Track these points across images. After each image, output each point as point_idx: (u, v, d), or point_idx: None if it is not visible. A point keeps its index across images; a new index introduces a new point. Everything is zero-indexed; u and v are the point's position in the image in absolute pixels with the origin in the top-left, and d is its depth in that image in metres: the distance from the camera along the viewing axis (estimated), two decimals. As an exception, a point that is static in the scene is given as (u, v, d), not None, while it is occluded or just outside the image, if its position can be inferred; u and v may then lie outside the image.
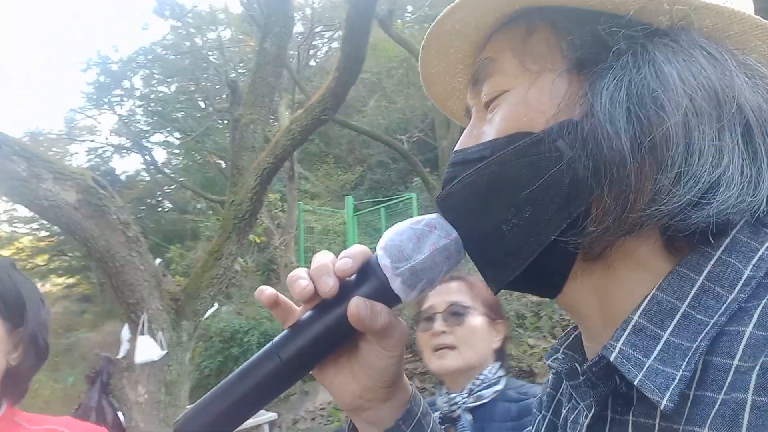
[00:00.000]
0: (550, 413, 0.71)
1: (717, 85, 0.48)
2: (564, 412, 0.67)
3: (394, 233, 0.60)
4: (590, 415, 0.53)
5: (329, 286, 0.58)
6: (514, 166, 0.52)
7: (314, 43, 17.58)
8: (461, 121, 0.74)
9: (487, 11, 0.58)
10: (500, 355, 1.65)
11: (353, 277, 0.60)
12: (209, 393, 0.60)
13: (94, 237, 3.45)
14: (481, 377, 1.57)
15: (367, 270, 0.60)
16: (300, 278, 0.59)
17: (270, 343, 0.60)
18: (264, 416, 6.39)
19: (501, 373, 1.61)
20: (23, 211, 22.61)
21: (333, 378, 0.65)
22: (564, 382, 0.70)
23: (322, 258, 0.61)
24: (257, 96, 4.22)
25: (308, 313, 0.60)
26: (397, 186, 15.67)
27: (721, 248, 0.48)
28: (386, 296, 0.59)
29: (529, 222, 0.52)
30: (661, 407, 0.44)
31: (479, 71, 0.60)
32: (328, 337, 0.60)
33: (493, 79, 0.58)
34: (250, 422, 6.17)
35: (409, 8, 16.81)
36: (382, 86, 14.88)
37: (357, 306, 0.57)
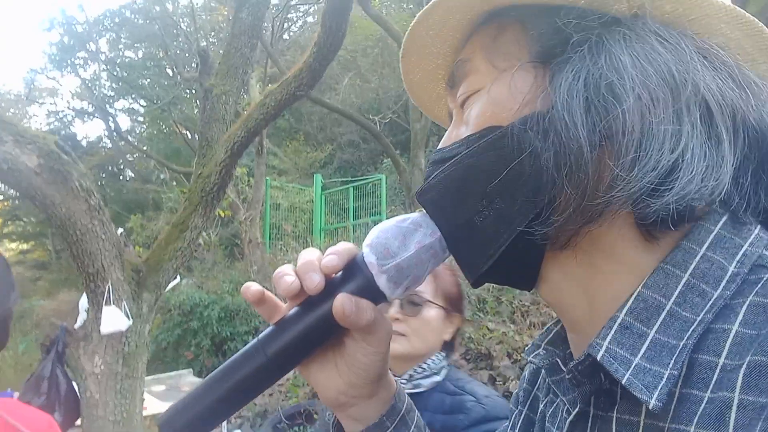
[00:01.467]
0: (526, 408, 0.72)
1: (673, 70, 0.48)
2: (541, 406, 0.68)
3: (380, 230, 0.60)
4: (574, 413, 0.53)
5: (315, 282, 0.58)
6: (484, 159, 0.54)
7: (289, 16, 17.25)
8: (448, 125, 0.75)
9: (458, 12, 0.59)
10: (449, 346, 1.68)
11: (339, 274, 0.61)
12: (195, 389, 0.60)
13: (55, 204, 3.34)
14: (424, 366, 1.60)
15: (353, 267, 0.60)
16: (286, 275, 0.60)
17: (255, 339, 0.61)
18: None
19: (443, 363, 1.63)
20: (-23, 173, 21.78)
21: (318, 374, 0.65)
22: (540, 377, 0.72)
23: (308, 255, 0.61)
24: (230, 67, 4.12)
25: (294, 310, 0.61)
26: (367, 166, 15.62)
27: (705, 245, 0.49)
28: (372, 293, 0.59)
29: (499, 213, 0.53)
30: (650, 406, 0.44)
31: (454, 73, 0.62)
32: (313, 333, 0.60)
33: (468, 79, 0.59)
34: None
35: (387, -13, 16.62)
36: (356, 65, 14.72)
37: (342, 303, 0.57)
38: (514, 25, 0.56)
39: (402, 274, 0.59)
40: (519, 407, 0.74)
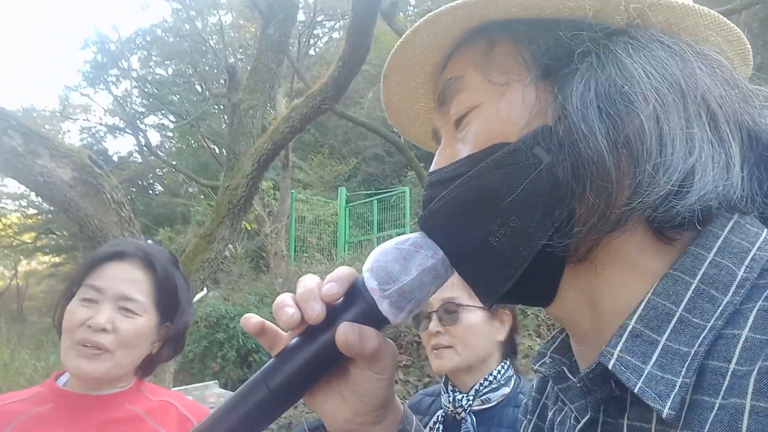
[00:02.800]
0: (535, 417, 0.72)
1: (679, 76, 0.49)
2: (550, 415, 0.68)
3: (379, 254, 0.59)
4: (584, 421, 0.53)
5: (316, 312, 0.57)
6: (495, 178, 0.53)
7: (315, 32, 17.49)
8: (426, 145, 0.74)
9: (447, 30, 0.58)
10: (508, 348, 1.58)
11: (340, 300, 0.59)
12: (200, 424, 0.60)
13: (88, 215, 3.43)
14: (490, 378, 1.51)
15: (354, 293, 0.59)
16: (286, 306, 0.58)
17: (258, 372, 0.60)
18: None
19: (510, 373, 1.54)
20: (12, 188, 22.39)
21: (323, 403, 0.64)
22: (549, 385, 0.71)
23: (308, 282, 0.60)
24: (258, 82, 4.20)
25: (295, 340, 0.60)
26: (391, 179, 15.66)
27: (714, 250, 0.49)
28: (375, 319, 0.58)
29: (516, 231, 0.52)
30: (664, 415, 0.43)
31: (445, 91, 0.61)
32: (316, 363, 0.59)
33: (461, 96, 0.58)
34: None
35: (412, 2, 16.77)
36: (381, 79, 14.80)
37: (345, 332, 0.56)
38: (504, 40, 0.56)
39: (404, 298, 0.57)
40: (528, 416, 0.73)
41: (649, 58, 0.50)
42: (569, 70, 0.51)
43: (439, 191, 0.58)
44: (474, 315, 1.53)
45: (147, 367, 1.43)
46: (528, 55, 0.54)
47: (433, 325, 1.54)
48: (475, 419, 1.48)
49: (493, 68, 0.56)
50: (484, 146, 0.54)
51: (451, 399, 1.53)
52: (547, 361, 0.62)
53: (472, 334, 1.52)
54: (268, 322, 0.62)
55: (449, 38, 0.60)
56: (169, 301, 1.38)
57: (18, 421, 1.26)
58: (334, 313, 0.58)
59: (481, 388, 1.50)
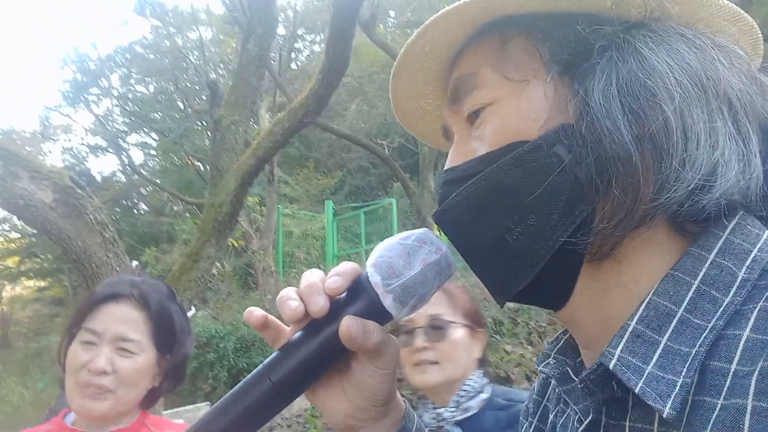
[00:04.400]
0: (536, 420, 0.71)
1: (700, 69, 0.49)
2: (551, 417, 0.67)
3: (383, 249, 0.59)
4: (586, 422, 0.52)
5: (319, 305, 0.57)
6: (514, 175, 0.52)
7: (296, 45, 17.53)
8: (433, 142, 0.74)
9: (459, 26, 0.58)
10: (481, 363, 1.63)
11: (344, 295, 0.59)
12: (202, 417, 0.60)
13: (71, 237, 3.37)
14: (466, 388, 1.55)
15: (358, 288, 0.59)
16: (290, 299, 0.58)
17: (261, 365, 0.59)
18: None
19: (484, 381, 1.59)
20: (-6, 211, 22.09)
21: (324, 398, 0.64)
22: (550, 387, 0.70)
23: (312, 276, 0.60)
24: (239, 97, 4.18)
25: (298, 334, 0.59)
26: (377, 191, 15.67)
27: (714, 251, 0.49)
28: (378, 314, 0.58)
29: (534, 229, 0.51)
30: (664, 415, 0.43)
31: (458, 88, 0.60)
32: (319, 357, 0.59)
33: (475, 93, 0.58)
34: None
35: (392, 13, 16.87)
36: (363, 90, 14.88)
37: (348, 326, 0.56)
38: (518, 35, 0.56)
39: (408, 293, 0.58)
40: (529, 419, 0.73)
41: (670, 51, 0.49)
42: (589, 65, 0.51)
43: (454, 188, 0.57)
44: (459, 332, 1.57)
45: (149, 400, 1.47)
46: (545, 50, 0.54)
47: (420, 340, 1.55)
48: (461, 429, 1.51)
49: (509, 65, 0.55)
50: (501, 144, 0.54)
51: (433, 416, 1.56)
52: (551, 362, 0.62)
53: (458, 350, 1.56)
54: (270, 316, 0.62)
55: (461, 34, 0.59)
56: (165, 335, 1.42)
57: None
58: (337, 308, 0.58)
59: (461, 399, 1.54)
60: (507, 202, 0.52)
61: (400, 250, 0.58)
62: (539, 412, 0.71)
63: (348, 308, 0.58)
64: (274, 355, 0.60)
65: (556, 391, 0.66)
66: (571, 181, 0.49)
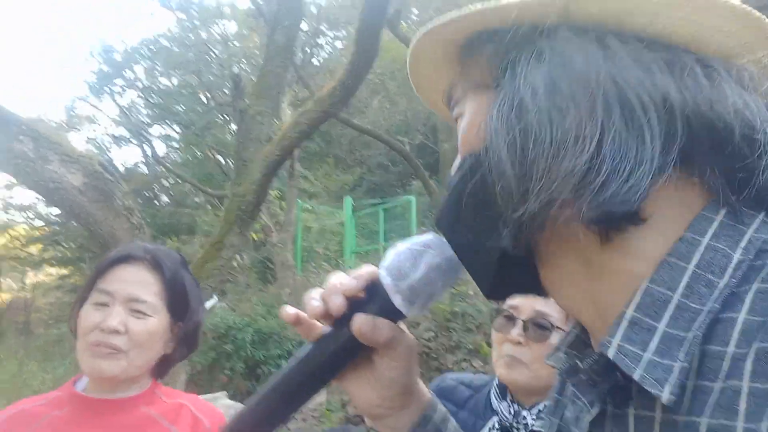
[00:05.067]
0: (556, 418, 0.71)
1: (586, 73, 0.49)
2: (568, 414, 0.66)
3: (394, 254, 0.65)
4: (592, 412, 0.53)
5: (337, 304, 0.64)
6: (467, 185, 0.56)
7: (318, 42, 17.58)
8: None
9: (439, 48, 0.62)
10: None
11: (365, 295, 0.66)
12: (245, 407, 0.68)
13: (98, 222, 3.43)
14: None
15: (374, 288, 0.66)
16: (313, 299, 0.66)
17: (292, 357, 0.68)
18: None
19: None
20: (18, 199, 22.49)
21: (354, 387, 0.71)
22: (568, 384, 0.70)
23: (334, 279, 0.67)
24: (265, 87, 4.21)
25: (325, 329, 0.67)
26: (396, 189, 15.66)
27: (709, 234, 0.49)
28: (390, 312, 0.65)
29: (488, 232, 0.54)
30: (663, 400, 0.44)
31: (447, 99, 0.66)
32: (341, 351, 0.66)
33: (458, 105, 0.63)
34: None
35: (415, 11, 16.84)
36: (385, 87, 14.87)
37: (359, 322, 0.63)
38: (480, 52, 0.58)
39: (415, 293, 0.63)
40: (551, 417, 0.73)
41: (555, 60, 0.50)
42: (499, 82, 0.54)
43: (445, 196, 0.62)
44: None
45: (162, 368, 1.47)
46: (489, 66, 0.57)
47: (516, 333, 1.42)
48: None
49: (469, 80, 0.60)
50: (463, 155, 0.59)
51: (512, 411, 1.46)
52: (561, 356, 0.63)
53: None
54: (302, 313, 0.68)
55: (450, 55, 0.63)
56: (179, 300, 1.42)
57: (38, 424, 1.29)
58: (357, 306, 0.65)
59: (545, 409, 1.44)
60: (466, 210, 0.57)
61: (408, 254, 0.64)
62: (558, 410, 0.71)
63: (365, 307, 0.65)
64: (305, 347, 0.68)
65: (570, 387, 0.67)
66: (492, 190, 0.52)
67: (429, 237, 0.65)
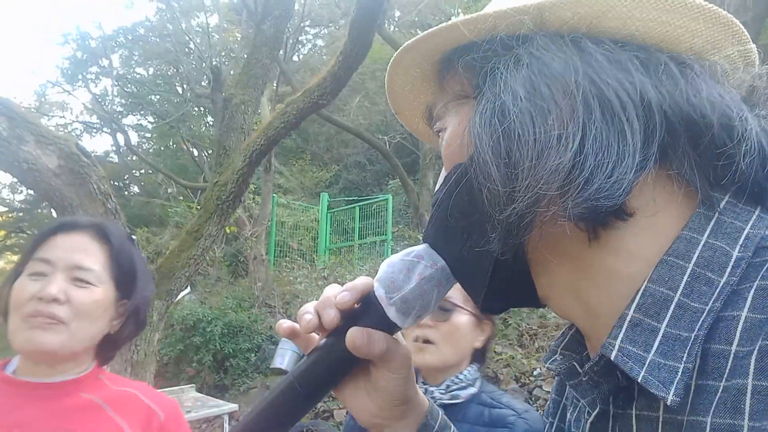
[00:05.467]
0: (556, 419, 0.72)
1: (563, 75, 0.50)
2: (569, 415, 0.68)
3: (388, 265, 0.65)
4: (594, 413, 0.53)
5: (330, 317, 0.64)
6: (456, 197, 0.57)
7: (299, 38, 17.46)
8: None
9: (416, 67, 0.64)
10: (480, 355, 1.68)
11: (359, 307, 0.66)
12: (241, 421, 0.67)
13: (73, 206, 3.33)
14: (460, 377, 1.60)
15: (367, 301, 0.65)
16: (306, 312, 0.66)
17: (289, 372, 0.67)
18: (224, 407, 6.28)
19: (477, 375, 1.64)
20: (-18, 184, 21.82)
21: (352, 399, 0.70)
22: (568, 386, 0.71)
23: (328, 292, 0.67)
24: (250, 77, 4.16)
25: (321, 342, 0.67)
26: (372, 188, 15.66)
27: (707, 232, 0.49)
28: (385, 323, 0.64)
29: (476, 243, 0.55)
30: (668, 402, 0.44)
31: (429, 115, 0.67)
32: (337, 363, 0.66)
33: (438, 121, 0.63)
34: (210, 412, 6.05)
35: (397, 13, 16.86)
36: (365, 87, 14.85)
37: (353, 336, 0.63)
38: (458, 68, 0.59)
39: (408, 305, 0.63)
40: (550, 419, 0.74)
41: (533, 65, 0.51)
42: (479, 91, 0.55)
43: (431, 211, 0.63)
44: (464, 317, 1.61)
45: (106, 351, 1.33)
46: (466, 79, 0.58)
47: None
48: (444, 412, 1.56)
49: (449, 94, 0.61)
50: (448, 168, 0.59)
51: (422, 390, 1.61)
52: (558, 358, 0.63)
53: (459, 335, 1.61)
54: (297, 326, 0.68)
55: (428, 73, 0.64)
56: (126, 273, 1.29)
57: None
58: (353, 319, 0.65)
59: (452, 384, 1.59)
60: (457, 221, 0.57)
61: (401, 266, 0.64)
62: (559, 411, 0.72)
63: (360, 319, 0.64)
64: (301, 361, 0.67)
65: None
66: (480, 197, 0.52)
67: (421, 248, 0.65)
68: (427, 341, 1.60)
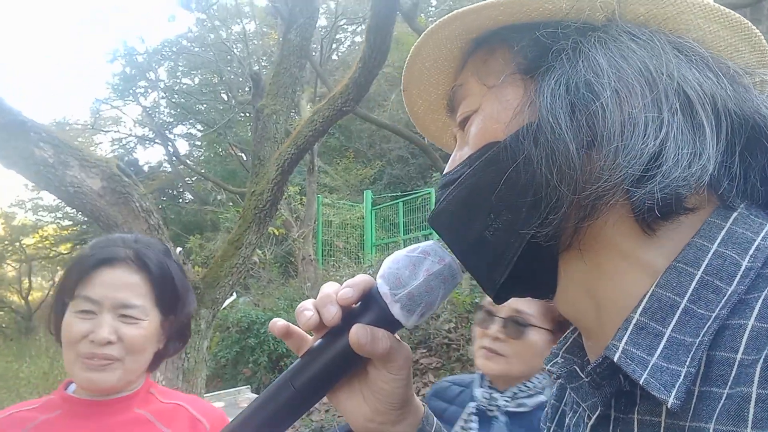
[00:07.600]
0: (554, 425, 0.72)
1: (647, 64, 0.50)
2: (567, 421, 0.67)
3: (392, 262, 0.63)
4: (595, 417, 0.53)
5: (331, 314, 0.62)
6: (487, 175, 0.55)
7: (337, 36, 17.58)
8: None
9: (448, 42, 0.62)
10: None
11: (359, 305, 0.64)
12: (232, 421, 0.65)
13: (118, 224, 3.49)
14: (529, 384, 1.53)
15: (370, 298, 0.64)
16: (306, 309, 0.63)
17: (284, 372, 0.64)
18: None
19: (547, 383, 1.56)
20: (47, 200, 22.99)
21: (346, 402, 0.68)
22: (567, 392, 0.71)
23: (327, 288, 0.65)
24: (280, 87, 4.23)
25: (318, 342, 0.64)
26: (416, 181, 15.63)
27: (717, 241, 0.49)
28: (388, 322, 0.62)
29: (507, 224, 0.54)
30: (669, 405, 0.43)
31: (452, 99, 0.65)
32: (336, 364, 0.63)
33: (464, 102, 0.62)
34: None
35: (433, 2, 16.73)
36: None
37: (357, 333, 0.60)
38: (501, 47, 0.59)
39: (414, 302, 0.61)
40: (547, 424, 0.73)
41: (618, 49, 0.52)
42: (546, 68, 0.54)
43: (444, 192, 0.61)
44: (539, 335, 1.51)
45: (154, 363, 1.41)
46: (516, 57, 0.57)
47: (495, 329, 1.52)
48: (509, 420, 1.50)
49: (488, 73, 0.59)
50: (479, 146, 0.57)
51: (487, 395, 1.55)
52: (559, 361, 0.63)
53: (531, 353, 1.50)
54: (292, 325, 0.67)
55: (455, 51, 0.63)
56: (168, 296, 1.35)
57: (27, 428, 1.25)
58: (352, 317, 0.63)
59: (519, 392, 1.52)
60: (483, 200, 0.55)
61: (407, 262, 0.62)
62: (557, 416, 0.72)
63: (361, 317, 0.62)
64: (296, 362, 0.65)
65: (570, 393, 0.67)
66: (530, 176, 0.51)
67: (427, 244, 0.64)
68: (495, 352, 1.52)
